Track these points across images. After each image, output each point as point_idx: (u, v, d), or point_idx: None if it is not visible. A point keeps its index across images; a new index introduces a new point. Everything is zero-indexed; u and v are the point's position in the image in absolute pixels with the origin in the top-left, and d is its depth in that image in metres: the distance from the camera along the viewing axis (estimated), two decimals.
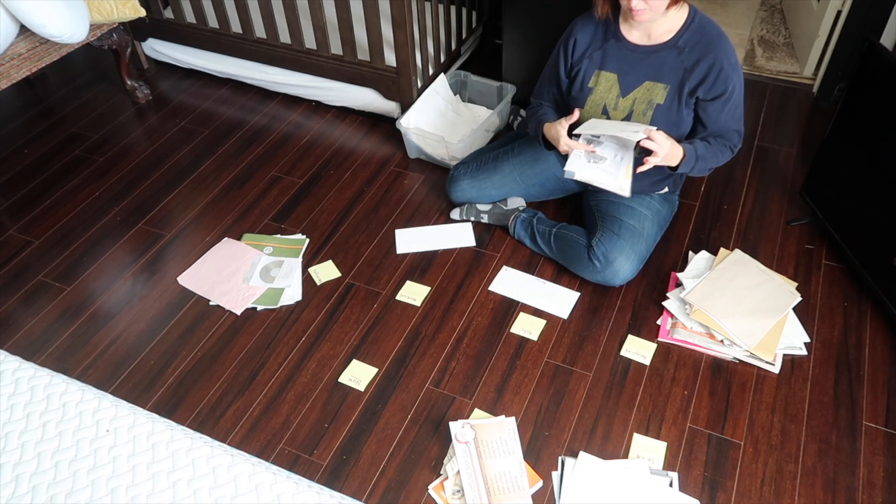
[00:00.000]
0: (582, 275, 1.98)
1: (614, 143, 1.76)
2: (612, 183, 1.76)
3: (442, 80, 2.51)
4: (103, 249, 2.20)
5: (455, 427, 1.63)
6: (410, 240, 2.17)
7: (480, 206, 2.18)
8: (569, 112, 1.82)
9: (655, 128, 1.70)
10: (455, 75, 2.59)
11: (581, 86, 1.86)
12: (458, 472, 1.56)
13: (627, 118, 1.82)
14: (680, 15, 1.72)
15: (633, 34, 1.78)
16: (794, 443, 1.63)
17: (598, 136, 1.77)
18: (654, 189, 1.98)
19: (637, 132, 1.67)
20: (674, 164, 1.76)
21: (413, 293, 2.00)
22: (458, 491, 1.55)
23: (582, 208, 2.13)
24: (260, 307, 1.98)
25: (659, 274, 2.02)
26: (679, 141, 1.77)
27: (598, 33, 1.82)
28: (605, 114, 1.84)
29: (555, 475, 1.58)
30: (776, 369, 1.77)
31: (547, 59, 1.98)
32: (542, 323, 1.91)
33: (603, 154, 1.76)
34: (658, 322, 1.89)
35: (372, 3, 2.31)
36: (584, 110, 1.86)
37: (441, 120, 2.47)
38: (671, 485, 1.56)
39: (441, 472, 1.59)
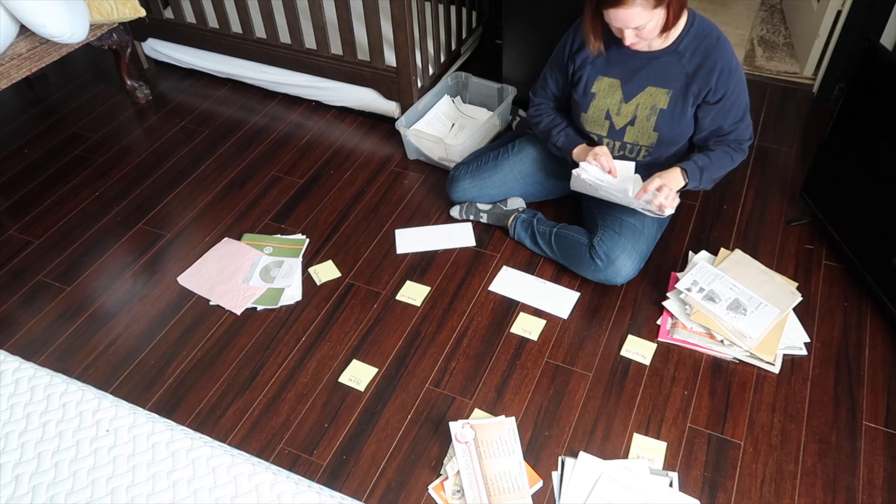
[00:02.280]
0: (583, 274, 1.98)
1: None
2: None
3: (446, 100, 2.53)
4: (103, 249, 2.20)
5: (455, 427, 1.63)
6: (410, 240, 2.17)
7: (480, 206, 2.18)
8: (569, 111, 1.91)
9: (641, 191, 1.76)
10: (456, 77, 2.59)
11: (584, 90, 1.86)
12: (458, 472, 1.56)
13: (631, 123, 1.82)
14: (679, 22, 1.71)
15: None
16: (794, 443, 1.63)
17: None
18: None
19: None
20: (678, 186, 1.79)
21: (413, 293, 2.00)
22: (458, 491, 1.55)
23: (581, 209, 2.13)
24: (260, 307, 1.98)
25: (659, 274, 2.02)
26: (679, 151, 1.83)
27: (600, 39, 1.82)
28: (609, 119, 1.85)
29: (555, 475, 1.58)
30: (776, 369, 1.77)
31: (547, 58, 1.98)
32: (542, 323, 1.90)
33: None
34: (658, 322, 1.89)
35: (372, 3, 2.31)
36: (588, 115, 1.87)
37: (443, 128, 2.48)
38: (671, 485, 1.55)
39: (441, 472, 1.59)
